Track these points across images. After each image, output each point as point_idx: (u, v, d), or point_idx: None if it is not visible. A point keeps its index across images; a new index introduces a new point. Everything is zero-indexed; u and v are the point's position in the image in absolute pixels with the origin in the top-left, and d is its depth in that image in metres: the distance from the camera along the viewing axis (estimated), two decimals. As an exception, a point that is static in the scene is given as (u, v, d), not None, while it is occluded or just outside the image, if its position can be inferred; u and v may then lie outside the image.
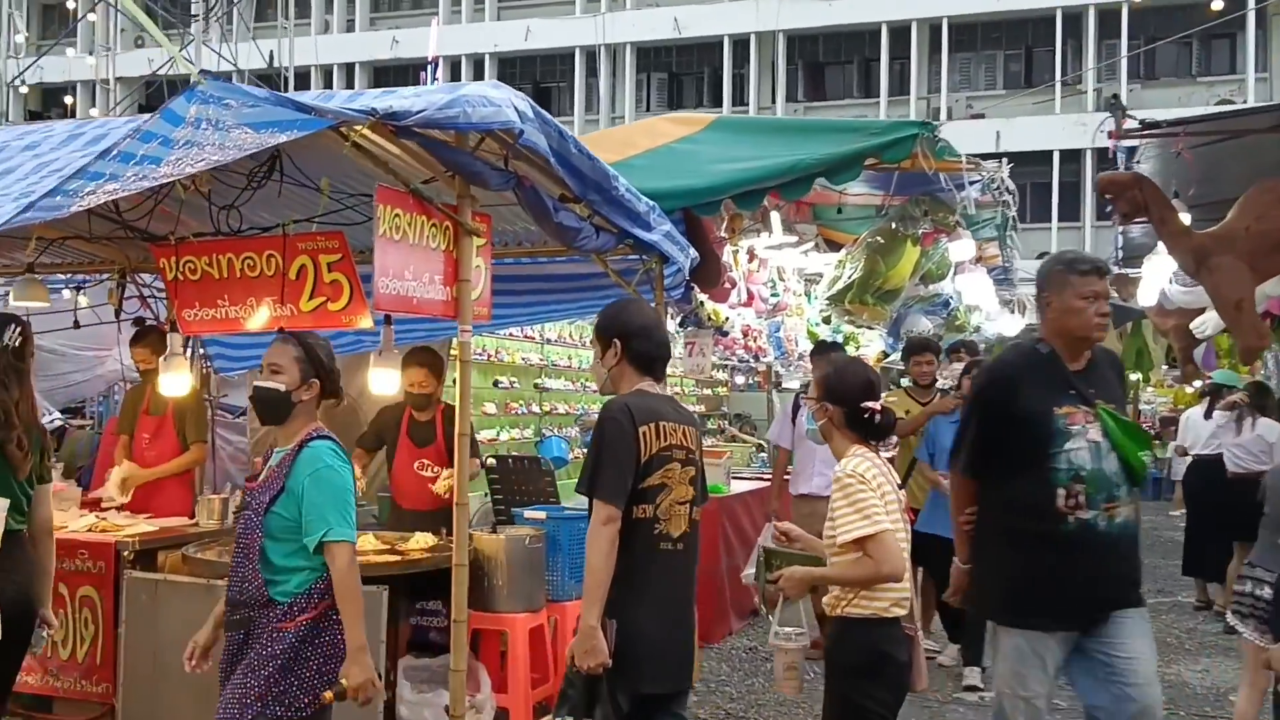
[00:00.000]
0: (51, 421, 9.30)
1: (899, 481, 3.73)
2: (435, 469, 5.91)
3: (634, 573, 3.42)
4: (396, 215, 4.01)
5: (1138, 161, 6.56)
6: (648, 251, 5.88)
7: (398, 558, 5.04)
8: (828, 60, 32.20)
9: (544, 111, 4.42)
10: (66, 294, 7.26)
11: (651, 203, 5.53)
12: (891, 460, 6.55)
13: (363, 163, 4.28)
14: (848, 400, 3.61)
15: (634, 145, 7.03)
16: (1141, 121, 5.55)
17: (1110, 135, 5.83)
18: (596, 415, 10.17)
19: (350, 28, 35.07)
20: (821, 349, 6.95)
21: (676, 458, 3.52)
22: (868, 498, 3.41)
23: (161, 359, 5.51)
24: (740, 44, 31.71)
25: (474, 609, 4.71)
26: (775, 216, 7.69)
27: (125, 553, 5.10)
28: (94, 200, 3.26)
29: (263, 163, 4.67)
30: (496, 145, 4.41)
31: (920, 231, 7.41)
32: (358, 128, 3.80)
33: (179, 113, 3.10)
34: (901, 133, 6.00)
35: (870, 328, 9.32)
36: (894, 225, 7.42)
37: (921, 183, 7.15)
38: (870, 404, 3.58)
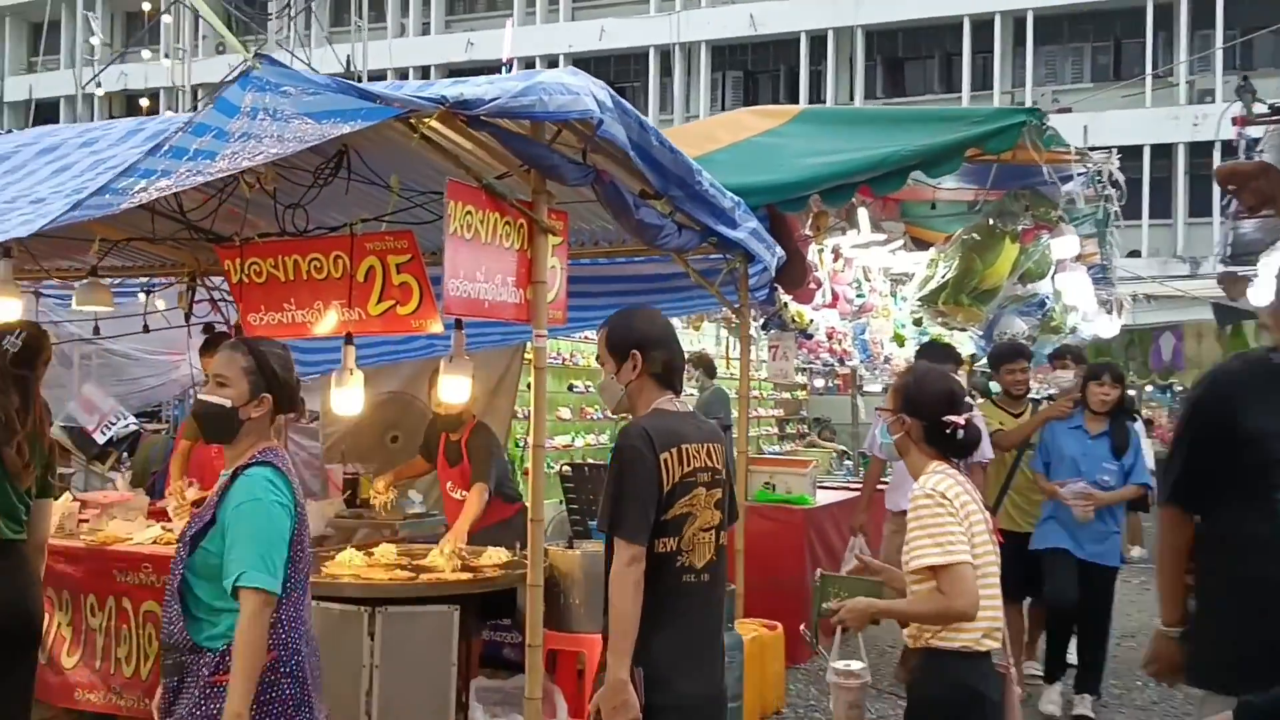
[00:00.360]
0: (126, 426, 9.24)
1: (989, 501, 3.32)
2: (461, 491, 5.65)
3: (656, 612, 3.09)
4: (468, 212, 3.75)
5: (1261, 151, 6.08)
6: (732, 250, 5.58)
7: (469, 575, 4.78)
8: (907, 55, 31.51)
9: (624, 101, 4.14)
10: (143, 298, 7.17)
11: (737, 198, 5.23)
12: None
13: (432, 157, 4.04)
14: (928, 413, 3.25)
15: (715, 139, 6.73)
16: (1272, 106, 5.08)
17: (1236, 121, 5.36)
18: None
19: (426, 30, 35.22)
20: (931, 352, 6.35)
21: (701, 481, 3.20)
22: (945, 522, 3.07)
23: (226, 365, 5.30)
24: (817, 40, 31.17)
25: (549, 628, 4.45)
26: (863, 213, 7.31)
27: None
28: (145, 197, 3.05)
29: (329, 159, 4.47)
30: (574, 138, 4.15)
31: (1020, 228, 6.97)
32: (427, 119, 3.56)
33: (234, 102, 2.86)
34: (1007, 120, 5.59)
35: (963, 329, 8.89)
36: (991, 221, 6.99)
37: (1020, 175, 6.72)
38: (953, 418, 3.22)
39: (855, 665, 3.40)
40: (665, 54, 32.30)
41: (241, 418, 2.99)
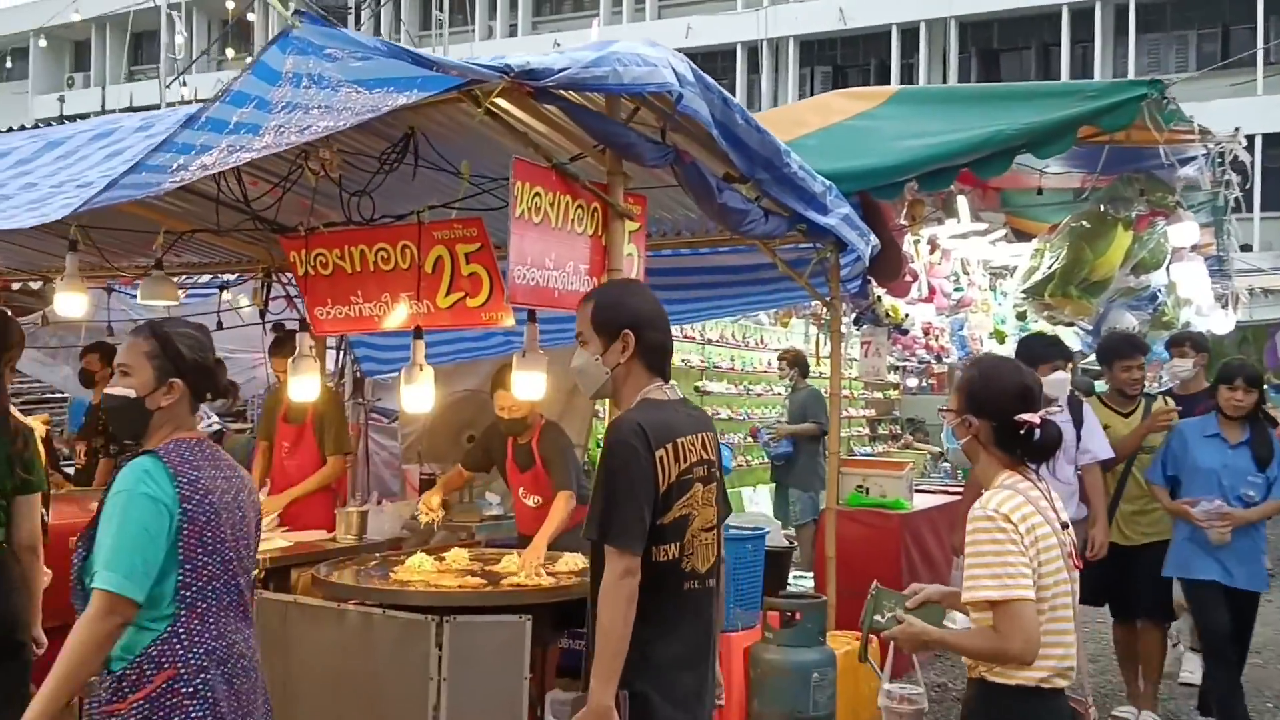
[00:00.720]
0: (210, 425, 9.22)
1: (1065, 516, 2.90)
2: (535, 498, 5.34)
3: (658, 624, 2.78)
4: (536, 194, 3.50)
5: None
6: (822, 238, 5.24)
7: (551, 581, 4.52)
8: (1003, 46, 30.62)
9: (706, 76, 3.84)
10: (227, 295, 7.09)
11: (828, 182, 4.89)
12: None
13: (499, 137, 3.80)
14: (997, 411, 2.84)
15: (804, 124, 6.38)
16: None
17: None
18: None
19: (513, 32, 35.32)
20: (1033, 346, 5.71)
21: (697, 477, 2.87)
22: (1005, 550, 2.67)
23: (290, 361, 5.12)
24: (909, 33, 30.47)
25: (629, 640, 4.17)
26: (963, 201, 6.91)
27: (254, 571, 4.71)
28: (188, 176, 2.83)
29: (395, 143, 4.25)
30: (653, 117, 3.87)
31: (1134, 214, 6.47)
32: (495, 97, 3.29)
33: (274, 67, 2.62)
34: (1125, 94, 5.12)
35: (1070, 324, 8.39)
36: (1103, 207, 6.51)
37: (1133, 158, 6.24)
38: (1027, 416, 2.80)
39: (912, 689, 3.07)
40: (752, 50, 31.92)
41: (149, 407, 2.71)
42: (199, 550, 2.64)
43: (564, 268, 3.61)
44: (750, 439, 12.21)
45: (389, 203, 4.54)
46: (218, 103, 2.64)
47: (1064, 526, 2.82)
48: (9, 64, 39.31)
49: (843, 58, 32.20)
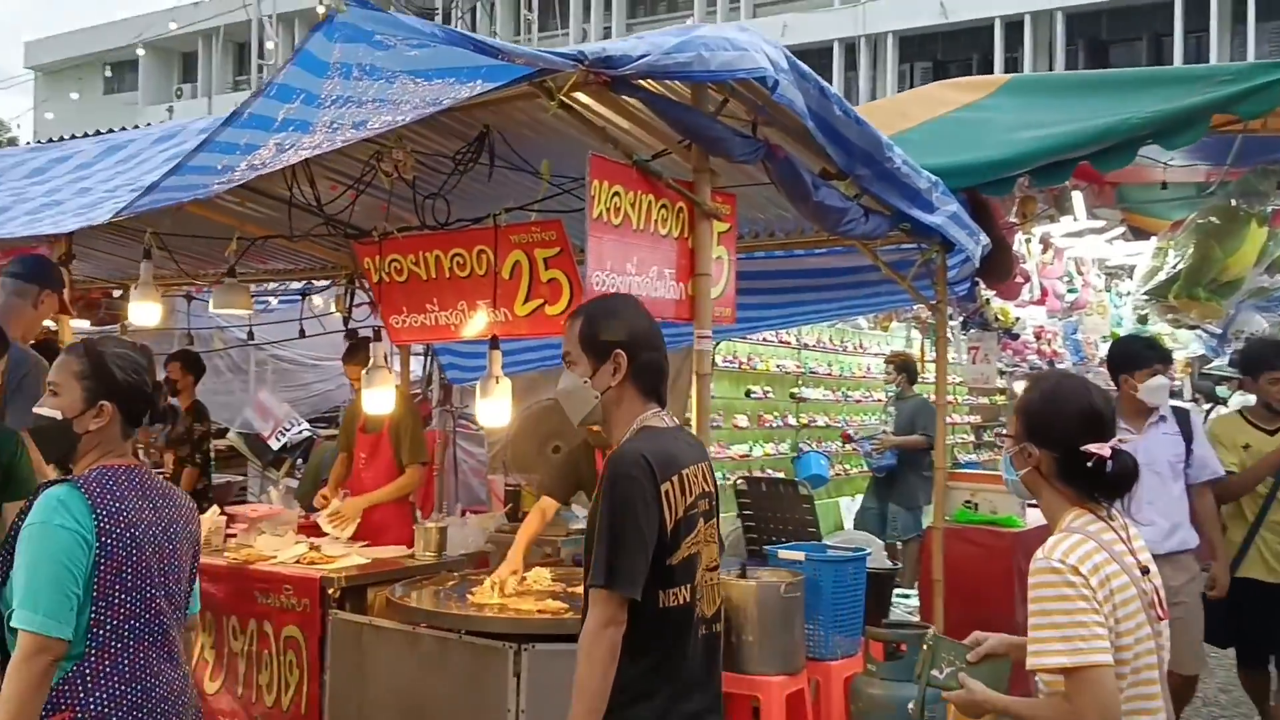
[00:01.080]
0: (300, 432, 9.17)
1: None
2: None
3: (673, 680, 2.49)
4: (616, 194, 3.23)
5: None
6: (928, 238, 4.88)
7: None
8: (1112, 38, 29.57)
9: (801, 64, 3.53)
10: (318, 301, 7.00)
11: (934, 178, 4.53)
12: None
13: (577, 131, 3.55)
14: (1061, 441, 2.44)
15: (908, 117, 6.00)
16: None
17: None
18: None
19: (606, 34, 35.28)
20: (1126, 348, 5.19)
21: (700, 511, 2.58)
22: (1076, 609, 2.27)
23: (364, 372, 4.94)
24: (1013, 26, 29.61)
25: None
26: (1078, 197, 6.47)
27: (330, 590, 4.54)
28: (237, 177, 2.64)
29: (471, 142, 4.03)
30: (742, 109, 3.57)
31: (1269, 209, 5.97)
32: (571, 88, 3.03)
33: (321, 58, 2.38)
34: (1267, 77, 4.65)
35: (1195, 327, 7.86)
36: (1234, 202, 6.02)
37: (1270, 148, 5.76)
38: (1094, 447, 2.41)
39: None
40: (850, 47, 31.35)
41: (77, 430, 2.53)
42: (116, 587, 2.45)
43: (647, 272, 3.34)
44: (844, 444, 11.80)
45: (465, 205, 4.33)
46: (260, 98, 2.42)
47: (1144, 572, 2.39)
48: (108, 72, 40.51)
49: (944, 53, 31.41)
